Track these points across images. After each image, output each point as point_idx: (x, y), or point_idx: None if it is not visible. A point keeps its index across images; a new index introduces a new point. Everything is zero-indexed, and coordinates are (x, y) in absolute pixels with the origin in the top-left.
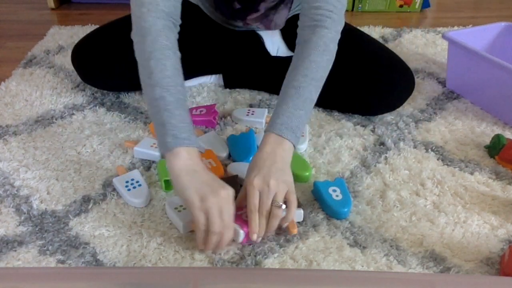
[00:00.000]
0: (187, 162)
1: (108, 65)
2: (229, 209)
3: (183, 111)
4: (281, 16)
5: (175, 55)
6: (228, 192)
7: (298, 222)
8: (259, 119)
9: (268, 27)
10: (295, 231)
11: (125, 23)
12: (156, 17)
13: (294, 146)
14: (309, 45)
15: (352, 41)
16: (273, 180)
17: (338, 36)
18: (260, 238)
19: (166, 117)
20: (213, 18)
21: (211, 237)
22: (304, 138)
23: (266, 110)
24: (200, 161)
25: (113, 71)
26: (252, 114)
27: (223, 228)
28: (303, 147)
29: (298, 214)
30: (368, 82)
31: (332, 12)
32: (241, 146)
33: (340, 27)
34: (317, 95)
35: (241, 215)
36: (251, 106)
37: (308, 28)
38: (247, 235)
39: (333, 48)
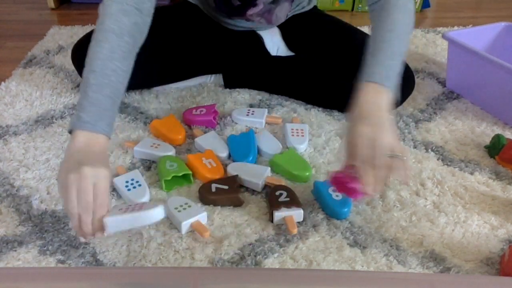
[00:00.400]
0: (80, 147)
1: None
2: (87, 189)
3: (101, 95)
4: (283, 9)
5: (120, 39)
6: (94, 172)
7: (298, 222)
8: (259, 119)
9: (269, 21)
10: (295, 231)
11: None
12: (113, 1)
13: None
14: (388, 6)
15: (352, 41)
16: (385, 130)
17: (413, 2)
18: (377, 193)
19: (81, 98)
20: (212, 18)
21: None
22: (304, 138)
23: (266, 110)
24: (100, 148)
25: None
26: (252, 114)
27: (81, 210)
28: (303, 147)
29: (298, 214)
30: None
31: None
32: (241, 146)
33: None
34: (405, 50)
35: (350, 172)
36: (251, 106)
37: (379, 1)
38: (359, 192)
39: (412, 7)
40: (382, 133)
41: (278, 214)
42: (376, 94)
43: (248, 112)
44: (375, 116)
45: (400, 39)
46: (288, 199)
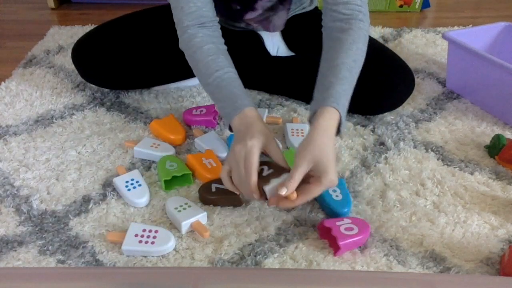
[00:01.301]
0: (236, 130)
1: (108, 63)
2: (240, 164)
3: (225, 92)
4: (280, 18)
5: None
6: (241, 146)
7: (298, 221)
8: None
9: (267, 29)
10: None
11: (126, 22)
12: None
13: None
14: (351, 33)
15: None
16: (335, 176)
17: (368, 31)
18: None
19: (218, 108)
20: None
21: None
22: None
23: (266, 110)
24: (252, 119)
25: (113, 69)
26: None
27: (237, 180)
28: None
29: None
30: (368, 82)
31: (361, 6)
32: None
33: (369, 22)
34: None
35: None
36: None
37: (342, 21)
38: (342, 247)
39: (367, 42)
40: (335, 180)
41: (270, 187)
42: (332, 122)
43: None
44: (332, 157)
45: (358, 73)
46: (271, 170)
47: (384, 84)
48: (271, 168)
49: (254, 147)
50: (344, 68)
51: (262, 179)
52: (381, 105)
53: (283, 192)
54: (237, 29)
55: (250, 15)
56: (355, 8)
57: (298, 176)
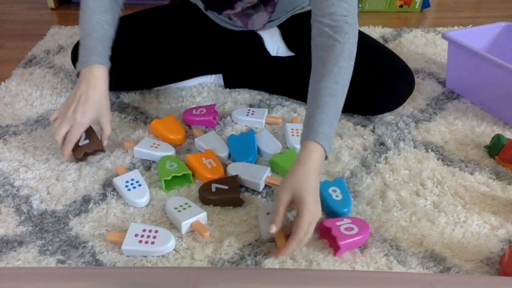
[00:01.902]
0: (80, 81)
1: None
2: (73, 133)
3: (90, 41)
4: (260, 18)
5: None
6: (82, 120)
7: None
8: (259, 119)
9: (245, 25)
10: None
11: (124, 22)
12: None
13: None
14: (335, 51)
15: None
16: (315, 207)
17: (357, 40)
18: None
19: (79, 51)
20: (212, 19)
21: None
22: None
23: (266, 110)
24: (98, 75)
25: (112, 69)
26: (252, 114)
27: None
28: None
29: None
30: (368, 82)
31: (347, 16)
32: (241, 146)
33: (356, 31)
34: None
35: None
36: (251, 106)
37: (327, 34)
38: (341, 248)
39: (355, 53)
40: (319, 214)
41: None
42: (318, 155)
43: (248, 112)
44: (301, 177)
45: (344, 92)
46: (87, 141)
47: (384, 84)
48: (88, 139)
49: (81, 126)
50: (326, 94)
51: (76, 148)
52: (381, 105)
53: (273, 230)
54: (237, 29)
55: (229, 11)
56: (340, 19)
57: (281, 208)
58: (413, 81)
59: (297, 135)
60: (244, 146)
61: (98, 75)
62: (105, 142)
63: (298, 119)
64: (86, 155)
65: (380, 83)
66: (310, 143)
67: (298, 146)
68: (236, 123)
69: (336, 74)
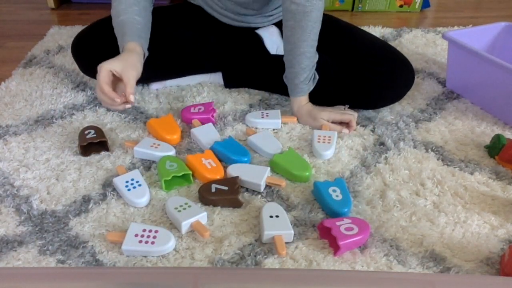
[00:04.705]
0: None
1: (108, 57)
2: (100, 73)
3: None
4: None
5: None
6: (103, 64)
7: (297, 221)
8: (276, 119)
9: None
10: (284, 253)
11: None
12: None
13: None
14: (301, 15)
15: (351, 40)
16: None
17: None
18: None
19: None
20: (215, 16)
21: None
22: (330, 145)
23: (279, 110)
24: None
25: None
26: (267, 116)
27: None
28: (328, 154)
29: (288, 235)
30: (368, 75)
31: None
32: (231, 150)
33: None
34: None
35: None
36: (251, 106)
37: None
38: (342, 247)
39: (321, 13)
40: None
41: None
42: (306, 100)
43: (263, 114)
44: (309, 111)
45: (314, 46)
46: (95, 135)
47: (384, 77)
48: (96, 134)
49: (103, 67)
50: (304, 57)
51: (83, 138)
52: (382, 98)
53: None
54: (236, 24)
55: None
56: None
57: (331, 126)
58: (413, 72)
59: (323, 142)
60: (234, 149)
61: (131, 48)
62: (131, 97)
63: (327, 126)
64: (91, 145)
65: (380, 76)
66: (296, 99)
67: (323, 153)
68: (236, 123)
69: (306, 38)
